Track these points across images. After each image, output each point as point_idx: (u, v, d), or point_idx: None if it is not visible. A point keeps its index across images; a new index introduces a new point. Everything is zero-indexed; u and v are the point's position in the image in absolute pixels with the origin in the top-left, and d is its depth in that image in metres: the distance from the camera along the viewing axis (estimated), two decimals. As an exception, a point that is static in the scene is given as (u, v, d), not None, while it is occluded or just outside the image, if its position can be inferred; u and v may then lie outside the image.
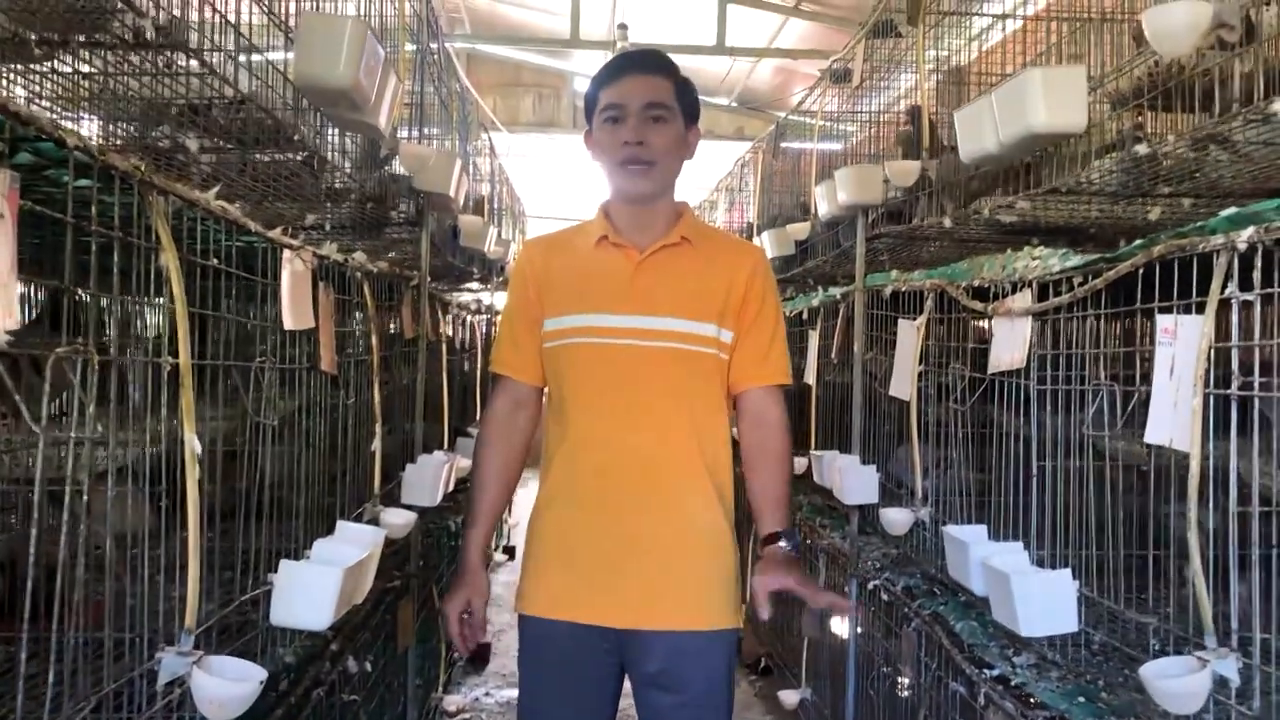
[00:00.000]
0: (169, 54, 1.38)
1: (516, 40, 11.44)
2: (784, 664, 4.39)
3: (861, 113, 3.78)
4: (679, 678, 2.01)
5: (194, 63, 1.44)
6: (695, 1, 9.43)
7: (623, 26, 7.74)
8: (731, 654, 2.10)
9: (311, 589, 1.73)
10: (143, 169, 1.21)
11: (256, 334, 1.89)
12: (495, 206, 5.65)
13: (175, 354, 1.37)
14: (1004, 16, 2.84)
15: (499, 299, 5.60)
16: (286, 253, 1.75)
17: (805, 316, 4.10)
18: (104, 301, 1.60)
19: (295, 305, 1.78)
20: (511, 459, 2.18)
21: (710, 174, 7.61)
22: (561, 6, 9.13)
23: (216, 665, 1.35)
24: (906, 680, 2.77)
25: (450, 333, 4.12)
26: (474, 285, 5.51)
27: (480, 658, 5.07)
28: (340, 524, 2.11)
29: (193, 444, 1.28)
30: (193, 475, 1.29)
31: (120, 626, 1.43)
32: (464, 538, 2.18)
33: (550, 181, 12.12)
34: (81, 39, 1.29)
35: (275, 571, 1.76)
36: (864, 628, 3.23)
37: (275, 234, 1.74)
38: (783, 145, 4.93)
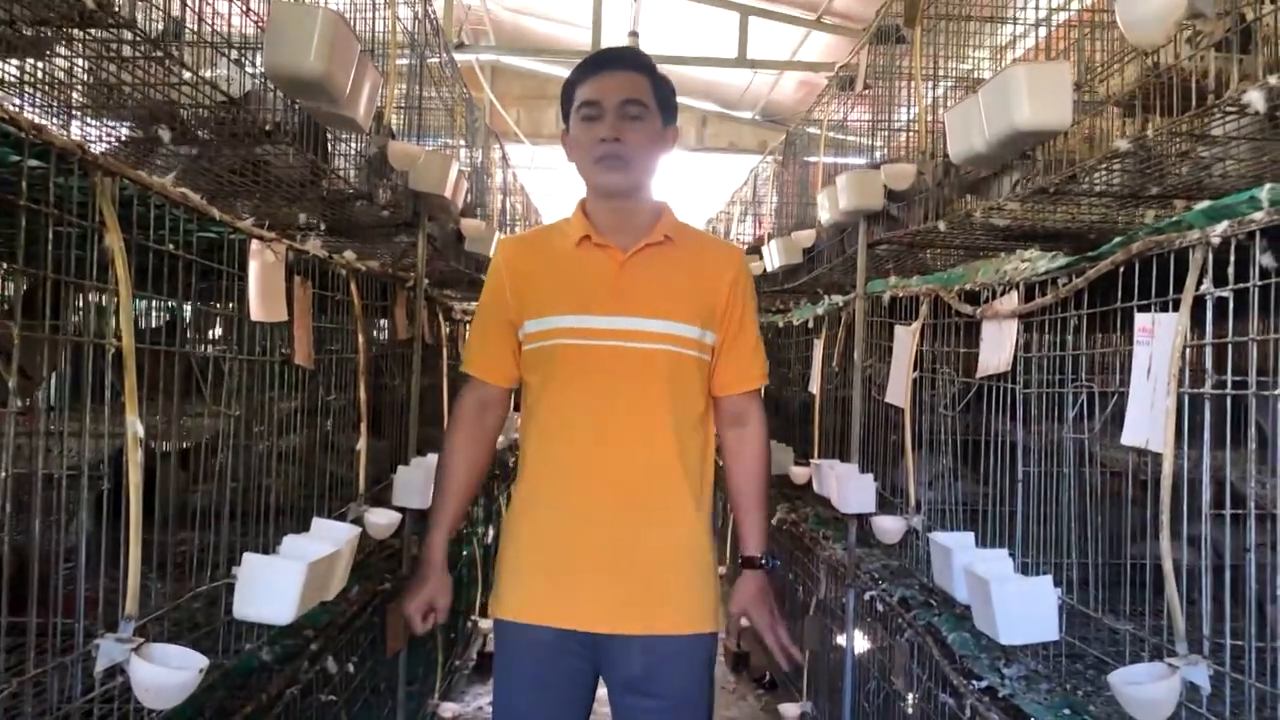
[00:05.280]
0: (118, 34, 1.36)
1: (538, 53, 11.49)
2: (787, 678, 4.34)
3: (864, 121, 3.74)
4: (658, 682, 1.99)
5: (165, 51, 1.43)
6: (717, 14, 9.43)
7: (634, 34, 7.73)
8: (711, 658, 2.08)
9: (274, 583, 1.72)
10: (84, 149, 1.20)
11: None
12: (508, 216, 5.64)
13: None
14: (994, 19, 2.79)
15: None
16: (255, 244, 1.74)
17: (811, 325, 4.06)
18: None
19: (264, 297, 1.77)
20: (478, 461, 2.18)
21: (733, 189, 7.58)
22: (584, 19, 9.16)
23: (159, 653, 1.33)
24: (900, 692, 2.72)
25: (455, 336, 4.10)
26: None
27: (485, 666, 5.04)
28: (316, 521, 2.10)
29: (135, 427, 1.27)
30: (135, 459, 1.28)
31: (81, 617, 1.41)
32: (427, 538, 2.15)
33: (572, 193, 12.17)
34: (27, 19, 1.28)
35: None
36: (863, 641, 3.18)
37: (245, 224, 1.73)
38: (795, 156, 4.90)
